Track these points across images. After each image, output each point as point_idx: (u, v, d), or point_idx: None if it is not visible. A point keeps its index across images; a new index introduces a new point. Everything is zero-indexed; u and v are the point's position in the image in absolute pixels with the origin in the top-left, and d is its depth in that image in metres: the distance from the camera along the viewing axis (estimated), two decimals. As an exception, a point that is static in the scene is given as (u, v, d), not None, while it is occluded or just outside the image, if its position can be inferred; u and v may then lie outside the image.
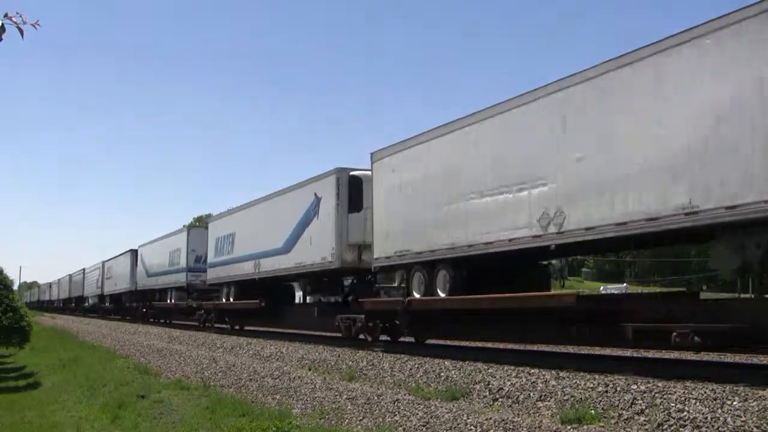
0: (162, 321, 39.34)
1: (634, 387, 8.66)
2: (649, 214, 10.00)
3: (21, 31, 3.87)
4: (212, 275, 28.79)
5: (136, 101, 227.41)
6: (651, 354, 13.41)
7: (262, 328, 26.55)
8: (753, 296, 13.46)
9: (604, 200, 10.73)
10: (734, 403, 7.47)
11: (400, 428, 8.99)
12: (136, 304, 42.68)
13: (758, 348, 11.75)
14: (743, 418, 7.02)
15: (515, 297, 12.65)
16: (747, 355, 13.21)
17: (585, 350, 15.77)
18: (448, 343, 17.15)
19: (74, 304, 69.20)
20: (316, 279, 21.17)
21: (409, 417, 9.27)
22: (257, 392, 12.96)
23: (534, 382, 9.93)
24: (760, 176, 8.70)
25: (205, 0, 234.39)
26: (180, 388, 13.94)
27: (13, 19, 3.87)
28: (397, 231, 15.88)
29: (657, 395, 8.17)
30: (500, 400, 9.67)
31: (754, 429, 6.80)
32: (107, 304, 52.51)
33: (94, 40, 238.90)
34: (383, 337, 17.56)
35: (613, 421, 7.87)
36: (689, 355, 12.39)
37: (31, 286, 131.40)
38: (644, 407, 7.95)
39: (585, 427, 7.73)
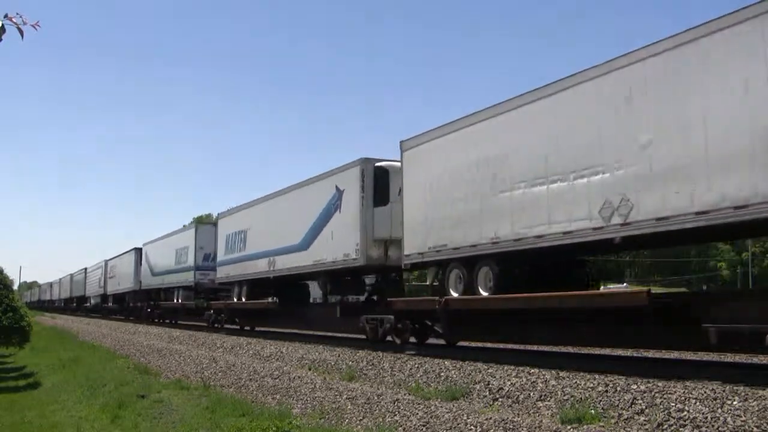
0: (167, 321, 38.36)
1: (634, 387, 8.66)
2: (736, 201, 8.96)
3: (21, 32, 3.87)
4: (222, 274, 27.63)
5: (136, 101, 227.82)
6: (651, 354, 13.41)
7: (275, 329, 25.59)
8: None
9: (682, 187, 9.61)
10: (734, 402, 7.47)
11: (400, 428, 8.99)
12: (141, 304, 41.84)
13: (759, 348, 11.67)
14: (743, 418, 7.02)
15: (577, 296, 11.69)
16: (747, 355, 13.21)
17: (585, 350, 15.76)
18: (487, 345, 16.10)
19: (76, 304, 68.65)
20: (336, 277, 19.94)
21: (409, 417, 9.27)
22: (257, 392, 12.96)
23: (534, 381, 9.93)
24: None
25: (205, 0, 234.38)
26: (180, 388, 13.94)
27: (13, 19, 3.87)
28: (431, 225, 14.74)
29: (657, 395, 8.17)
30: (500, 399, 9.67)
31: (754, 429, 6.80)
32: (110, 304, 51.74)
33: (94, 40, 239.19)
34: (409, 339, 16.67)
35: (613, 421, 7.87)
36: (689, 355, 12.40)
37: (31, 286, 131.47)
38: (644, 407, 7.95)
39: (585, 426, 7.73)
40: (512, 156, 12.66)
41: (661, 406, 7.79)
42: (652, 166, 10.09)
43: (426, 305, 15.34)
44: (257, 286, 24.31)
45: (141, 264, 41.04)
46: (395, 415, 9.54)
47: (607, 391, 8.75)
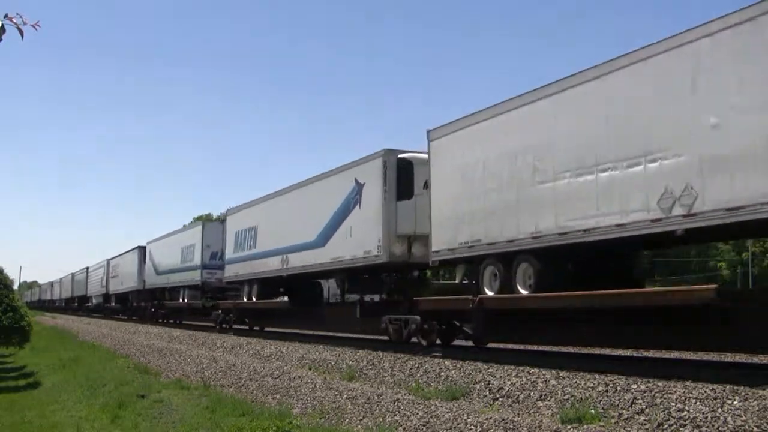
0: (171, 321, 37.41)
1: (635, 386, 8.66)
2: None
3: (21, 32, 3.87)
4: (231, 272, 26.42)
5: (136, 101, 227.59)
6: (651, 354, 13.41)
7: (288, 330, 24.58)
8: None
9: (757, 173, 8.75)
10: (734, 402, 7.47)
11: (400, 428, 9.00)
12: (145, 304, 40.92)
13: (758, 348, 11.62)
14: (743, 418, 7.02)
15: (637, 294, 10.88)
16: (747, 355, 13.21)
17: (585, 350, 15.76)
18: (516, 347, 15.41)
19: (77, 304, 67.98)
20: (354, 276, 18.93)
21: (410, 417, 9.28)
22: (257, 392, 12.96)
23: (534, 381, 9.93)
24: None
25: (205, 0, 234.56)
26: (180, 387, 13.95)
27: (13, 19, 3.87)
28: (462, 219, 13.80)
29: (657, 395, 8.17)
30: (500, 399, 9.67)
31: (755, 428, 6.81)
32: (112, 303, 50.77)
33: (94, 40, 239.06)
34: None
35: (613, 421, 7.87)
36: (689, 355, 12.39)
37: (31, 285, 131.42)
38: (644, 407, 7.95)
39: (585, 426, 7.73)
40: (556, 143, 11.73)
41: (662, 406, 7.79)
42: (721, 151, 9.19)
43: (457, 305, 14.24)
44: (268, 285, 23.40)
45: (145, 263, 40.14)
46: (395, 414, 9.54)
47: (607, 391, 8.75)
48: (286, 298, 22.78)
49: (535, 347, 16.13)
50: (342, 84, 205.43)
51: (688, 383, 8.59)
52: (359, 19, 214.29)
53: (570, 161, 11.43)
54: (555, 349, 16.20)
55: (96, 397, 13.76)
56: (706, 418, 7.21)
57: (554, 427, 7.80)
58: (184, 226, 46.57)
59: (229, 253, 26.74)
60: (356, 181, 17.49)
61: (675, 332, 11.11)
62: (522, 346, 15.91)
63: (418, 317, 15.43)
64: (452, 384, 10.79)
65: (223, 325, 27.46)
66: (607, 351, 14.86)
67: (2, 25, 3.85)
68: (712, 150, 9.32)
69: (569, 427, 7.76)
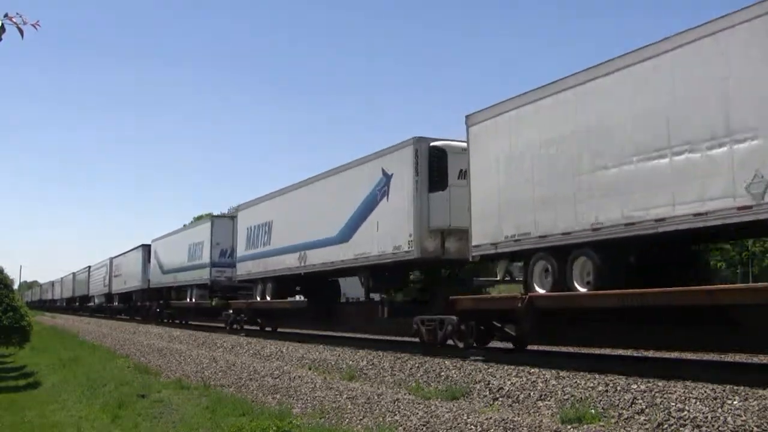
0: (177, 322, 36.12)
1: (635, 386, 8.67)
2: None
3: (21, 31, 3.87)
4: (243, 270, 25.07)
5: (136, 101, 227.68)
6: (651, 354, 13.40)
7: (304, 331, 23.24)
8: None
9: None
10: (734, 402, 7.47)
11: (400, 428, 9.00)
12: (149, 304, 39.71)
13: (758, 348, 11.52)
14: (743, 418, 7.02)
15: (734, 290, 9.96)
16: (747, 355, 13.20)
17: (584, 350, 15.74)
18: (570, 350, 14.38)
19: (78, 304, 67.12)
20: (378, 273, 17.63)
21: (410, 416, 9.28)
22: (257, 392, 12.96)
23: (534, 381, 9.93)
24: None
25: (205, 0, 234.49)
26: (180, 387, 13.95)
27: (13, 19, 3.87)
28: (507, 211, 12.73)
29: (657, 395, 8.17)
30: (500, 399, 9.67)
31: (755, 428, 6.81)
32: (115, 303, 49.43)
33: (93, 40, 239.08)
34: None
35: (613, 421, 7.87)
36: (689, 355, 12.38)
37: (32, 285, 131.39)
38: (644, 407, 7.96)
39: (585, 426, 7.73)
40: (621, 124, 10.62)
41: (662, 406, 7.79)
42: None
43: (504, 304, 13.15)
44: (283, 283, 22.23)
45: (150, 261, 39.01)
46: (395, 414, 9.54)
47: (607, 391, 8.75)
48: (301, 297, 21.74)
49: (534, 347, 15.87)
50: (342, 84, 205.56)
51: (688, 383, 8.59)
52: (359, 19, 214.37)
53: (638, 144, 10.29)
54: (554, 348, 16.15)
55: (96, 397, 13.76)
56: (706, 418, 7.21)
57: (554, 427, 7.80)
58: (184, 225, 46.18)
59: (241, 251, 25.43)
60: (383, 171, 16.33)
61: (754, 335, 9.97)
62: (557, 348, 15.09)
63: (455, 318, 14.05)
64: (452, 384, 10.79)
65: (234, 326, 26.29)
66: (606, 351, 14.85)
67: (2, 24, 3.85)
68: None
69: (569, 427, 7.76)
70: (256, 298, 24.30)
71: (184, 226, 44.06)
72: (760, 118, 8.85)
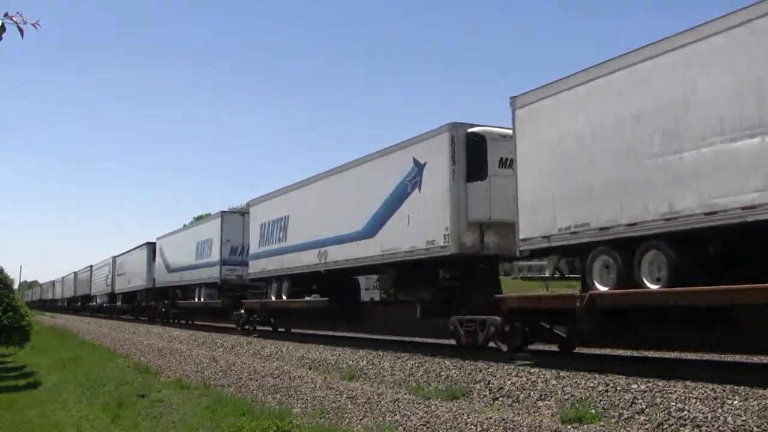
0: (183, 322, 34.75)
1: (635, 386, 8.66)
2: None
3: (21, 31, 3.88)
4: (256, 268, 23.77)
5: (136, 101, 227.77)
6: (651, 354, 13.39)
7: (322, 332, 21.95)
8: None
9: None
10: (734, 402, 7.47)
11: (400, 427, 9.00)
12: (155, 303, 38.18)
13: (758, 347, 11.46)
14: (743, 418, 7.02)
15: None
16: (747, 355, 13.19)
17: (584, 350, 15.72)
18: (628, 353, 13.31)
19: (80, 304, 66.25)
20: (405, 270, 16.50)
21: (410, 416, 9.28)
22: (257, 391, 12.96)
23: (534, 381, 9.93)
24: None
25: (205, 0, 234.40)
26: (180, 387, 13.96)
27: (14, 18, 3.87)
28: (561, 200, 11.59)
29: (657, 395, 8.17)
30: (500, 399, 9.67)
31: (755, 428, 6.81)
32: (119, 303, 47.97)
33: (93, 40, 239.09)
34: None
35: (613, 421, 7.87)
36: (689, 355, 12.37)
37: (32, 285, 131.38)
38: (644, 406, 7.95)
39: (585, 426, 7.73)
40: (700, 101, 9.46)
41: (662, 406, 7.79)
42: None
43: (560, 303, 12.11)
44: (300, 281, 21.08)
45: (155, 260, 37.38)
46: (395, 414, 9.54)
47: (607, 391, 8.75)
48: (318, 296, 20.37)
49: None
50: (342, 84, 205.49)
51: (688, 383, 8.59)
52: (359, 19, 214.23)
53: (722, 123, 9.15)
54: (554, 348, 16.00)
55: (96, 397, 13.77)
56: (706, 418, 7.21)
57: (554, 427, 7.80)
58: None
59: (254, 248, 24.09)
60: (415, 160, 15.13)
61: None
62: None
63: (498, 318, 12.97)
64: (452, 384, 10.79)
65: (246, 327, 24.81)
66: (606, 351, 14.84)
67: (2, 24, 3.85)
68: None
69: (569, 427, 7.76)
70: (270, 298, 23.04)
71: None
72: None
